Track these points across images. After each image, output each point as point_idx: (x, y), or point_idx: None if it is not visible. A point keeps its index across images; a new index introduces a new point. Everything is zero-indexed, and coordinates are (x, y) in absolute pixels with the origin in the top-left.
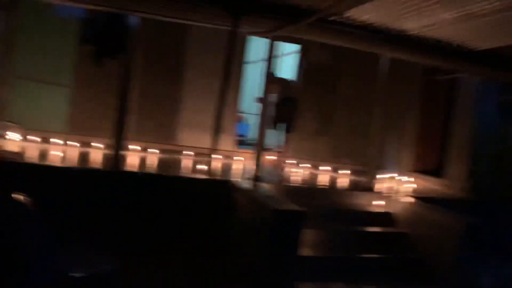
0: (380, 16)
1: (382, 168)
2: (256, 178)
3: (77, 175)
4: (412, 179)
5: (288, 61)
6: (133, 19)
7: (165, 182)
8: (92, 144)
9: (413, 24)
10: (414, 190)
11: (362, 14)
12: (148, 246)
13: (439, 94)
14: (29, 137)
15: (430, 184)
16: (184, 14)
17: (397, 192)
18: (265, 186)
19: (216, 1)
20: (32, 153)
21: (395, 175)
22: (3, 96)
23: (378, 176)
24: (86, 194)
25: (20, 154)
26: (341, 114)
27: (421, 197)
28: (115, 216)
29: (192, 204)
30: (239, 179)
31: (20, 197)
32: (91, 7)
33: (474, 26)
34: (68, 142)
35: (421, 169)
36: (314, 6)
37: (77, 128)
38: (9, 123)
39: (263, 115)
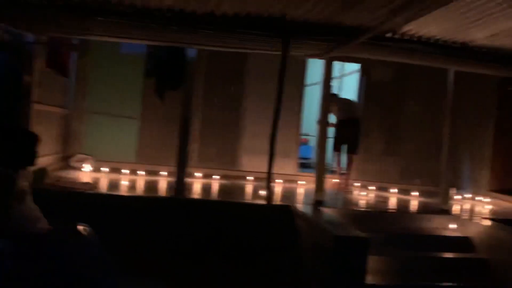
0: (439, 29)
1: (456, 189)
2: (318, 203)
3: (140, 204)
4: (489, 200)
5: (350, 81)
6: (192, 51)
7: (225, 209)
8: (159, 172)
9: (476, 35)
10: (493, 212)
11: (420, 29)
12: (209, 273)
13: None
14: (101, 168)
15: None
16: (237, 43)
17: (474, 214)
18: (327, 211)
19: (265, 27)
20: (102, 183)
21: (470, 195)
22: (77, 130)
23: (451, 197)
24: (148, 222)
25: (90, 185)
26: (409, 133)
27: (501, 220)
28: (175, 243)
29: (253, 230)
30: (300, 204)
31: (82, 227)
32: (153, 43)
33: None
34: (136, 171)
35: (499, 188)
36: (365, 24)
37: (144, 157)
38: (83, 155)
39: (322, 137)
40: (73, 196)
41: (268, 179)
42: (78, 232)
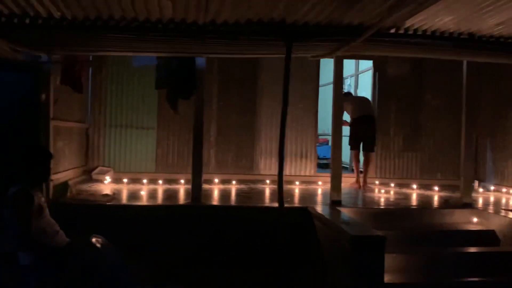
0: (443, 21)
1: (479, 181)
2: (335, 203)
3: (157, 212)
4: None
5: (365, 78)
6: (201, 59)
7: (243, 213)
8: (177, 180)
9: (482, 25)
10: None
11: (424, 23)
12: (230, 278)
13: None
14: (122, 179)
15: None
16: (241, 50)
17: (498, 206)
18: (345, 211)
19: (267, 32)
20: (122, 194)
21: (494, 187)
22: (97, 143)
23: (475, 191)
24: (165, 230)
25: (109, 196)
26: (428, 127)
27: None
28: (195, 250)
29: (272, 234)
30: (318, 205)
31: (95, 239)
32: (161, 54)
33: None
34: (154, 181)
35: None
36: (366, 22)
37: (163, 166)
38: (103, 168)
39: (336, 136)
40: (93, 208)
41: (279, 182)
42: (92, 244)
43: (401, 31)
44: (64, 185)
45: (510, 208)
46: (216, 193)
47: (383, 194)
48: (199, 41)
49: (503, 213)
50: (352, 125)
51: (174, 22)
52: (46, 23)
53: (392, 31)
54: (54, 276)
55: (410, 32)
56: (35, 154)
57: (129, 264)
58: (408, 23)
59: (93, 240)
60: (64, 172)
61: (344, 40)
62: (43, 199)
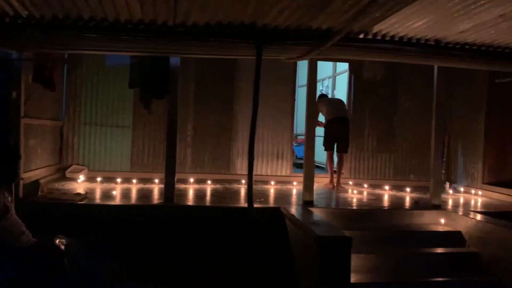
0: (410, 28)
1: (450, 183)
2: (307, 203)
3: (129, 212)
4: (482, 193)
5: (342, 80)
6: (175, 59)
7: (216, 213)
8: (152, 180)
9: (448, 32)
10: (485, 205)
11: (391, 29)
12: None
13: (506, 98)
14: (96, 177)
15: (506, 198)
16: (213, 51)
17: (465, 208)
18: (316, 212)
19: (238, 34)
20: (96, 193)
21: (463, 189)
22: (71, 141)
23: (445, 192)
24: (137, 230)
25: (81, 195)
26: (401, 129)
27: (493, 213)
28: (167, 250)
29: (242, 234)
30: (290, 205)
31: (62, 240)
32: (135, 53)
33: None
34: (129, 180)
35: (493, 181)
36: (335, 27)
37: (138, 166)
38: (77, 166)
39: (309, 137)
40: (64, 208)
41: (249, 182)
42: (56, 246)
43: (370, 37)
44: (35, 184)
45: (476, 210)
46: (190, 193)
47: (355, 194)
48: (171, 42)
49: (470, 215)
50: (326, 126)
51: (144, 23)
52: (14, 21)
53: (361, 36)
54: (18, 277)
55: (379, 37)
56: (2, 154)
57: (97, 265)
58: (376, 29)
59: (57, 241)
60: (35, 170)
61: (314, 44)
62: (9, 198)
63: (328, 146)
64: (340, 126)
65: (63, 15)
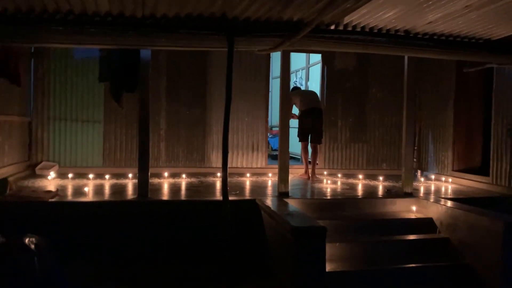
0: (380, 19)
1: (422, 171)
2: (283, 194)
3: (102, 209)
4: (452, 180)
5: (315, 71)
6: (146, 52)
7: (190, 207)
8: (125, 175)
9: (417, 23)
10: (455, 192)
11: (362, 20)
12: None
13: (473, 87)
14: (67, 174)
15: (474, 184)
16: (184, 43)
17: (436, 195)
18: (291, 202)
19: (209, 26)
20: (67, 190)
21: (434, 176)
22: (41, 137)
23: (416, 180)
24: (110, 227)
25: (52, 193)
26: (373, 119)
27: (461, 199)
28: (140, 247)
29: (217, 227)
30: (266, 197)
31: (31, 239)
32: (104, 47)
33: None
34: (101, 175)
35: (463, 168)
36: (305, 19)
37: (111, 161)
38: (48, 163)
39: (283, 128)
40: (34, 206)
41: (223, 175)
42: (25, 245)
43: (341, 28)
44: (3, 182)
45: (445, 196)
46: (165, 188)
47: (330, 184)
48: (140, 34)
49: (441, 201)
50: (300, 117)
51: (112, 15)
52: None
53: (332, 27)
54: None
55: (349, 28)
56: None
57: (68, 264)
58: (346, 20)
59: (26, 240)
60: (3, 168)
61: (285, 36)
62: None
63: (302, 137)
64: (314, 117)
65: (26, 7)
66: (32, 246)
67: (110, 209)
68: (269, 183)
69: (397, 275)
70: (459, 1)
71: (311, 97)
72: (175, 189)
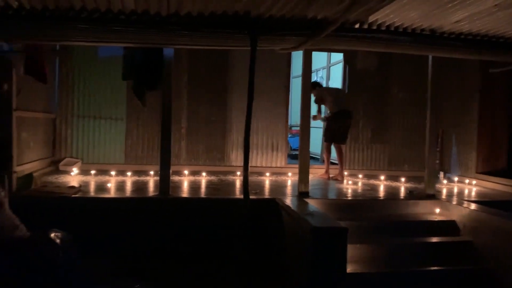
0: (406, 18)
1: (444, 173)
2: (303, 194)
3: (124, 205)
4: (476, 182)
5: (337, 71)
6: (169, 50)
7: (211, 205)
8: (147, 172)
9: (444, 21)
10: (479, 194)
11: (387, 19)
12: (196, 271)
13: (498, 88)
14: (89, 170)
15: (499, 187)
16: (207, 41)
17: (459, 197)
18: (311, 202)
19: (232, 25)
20: (90, 186)
21: (457, 179)
22: (64, 134)
23: (439, 181)
24: (132, 223)
25: (75, 188)
26: (395, 119)
27: (486, 202)
28: (159, 242)
29: (237, 225)
30: (286, 197)
31: (57, 234)
32: (128, 45)
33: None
34: (123, 172)
35: (487, 171)
36: (329, 17)
37: (132, 158)
38: (71, 159)
39: (304, 128)
40: (58, 201)
41: (244, 174)
42: (51, 239)
43: (365, 26)
44: (28, 177)
45: (469, 199)
46: (185, 185)
47: (350, 185)
48: (164, 32)
49: (464, 204)
50: (331, 119)
51: (137, 13)
52: (3, 13)
53: (356, 26)
54: (12, 271)
55: (374, 27)
56: None
57: (91, 259)
58: (371, 19)
59: (52, 235)
60: (28, 163)
61: (308, 35)
62: (2, 193)
63: (329, 138)
64: (346, 119)
65: (54, 5)
66: (58, 241)
67: (132, 205)
68: (289, 182)
69: (419, 278)
70: (487, 0)
71: (344, 98)
72: (195, 186)
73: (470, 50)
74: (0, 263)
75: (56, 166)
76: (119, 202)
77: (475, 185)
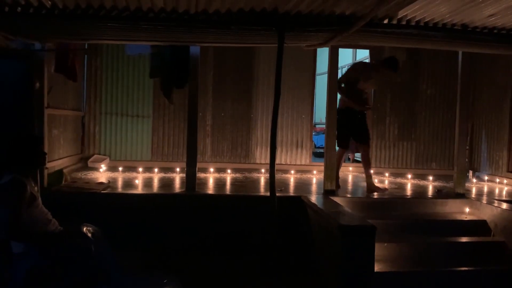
0: (437, 13)
1: (474, 171)
2: (329, 192)
3: (151, 201)
4: (507, 181)
5: None
6: (195, 48)
7: (237, 202)
8: (173, 169)
9: (474, 16)
10: (510, 193)
11: (417, 14)
12: (222, 267)
13: None
14: (117, 167)
15: None
16: (234, 39)
17: (490, 196)
18: (337, 200)
19: (260, 21)
20: (118, 182)
21: (487, 178)
22: (92, 131)
23: (468, 180)
24: (160, 219)
25: (104, 184)
26: (423, 116)
27: None
28: (186, 239)
29: (264, 222)
30: (311, 194)
31: (85, 228)
32: (156, 43)
33: None
34: (150, 169)
35: None
36: (358, 12)
37: (159, 155)
38: (99, 156)
39: (330, 125)
40: (88, 197)
41: (271, 171)
42: (83, 233)
43: (394, 22)
44: (59, 173)
45: (501, 198)
46: (211, 182)
47: (377, 183)
48: (191, 30)
49: (495, 203)
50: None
51: (166, 11)
52: (37, 12)
53: (385, 21)
54: (46, 264)
55: (403, 22)
56: (23, 142)
57: (120, 253)
58: (400, 14)
59: (84, 229)
60: (59, 160)
61: (336, 30)
62: (36, 188)
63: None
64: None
65: (85, 4)
66: (89, 234)
67: (159, 201)
68: (314, 180)
69: (448, 278)
70: None
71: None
72: (221, 183)
73: (503, 45)
74: (34, 257)
75: (85, 162)
76: (146, 198)
77: (506, 184)
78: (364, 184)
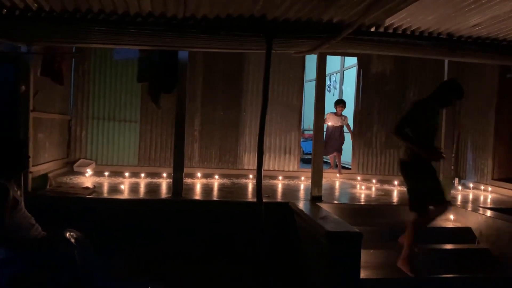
0: (423, 21)
1: (459, 179)
2: (316, 198)
3: (137, 206)
4: (492, 189)
5: (351, 74)
6: (184, 53)
7: (224, 208)
8: (160, 174)
9: (461, 25)
10: (495, 201)
11: (403, 22)
12: (209, 273)
13: None
14: (103, 171)
15: None
16: (222, 44)
17: (475, 204)
18: (324, 207)
19: (248, 28)
20: (103, 187)
21: (472, 185)
22: (79, 135)
23: (454, 188)
24: (145, 224)
25: (90, 189)
26: None
27: (503, 209)
28: (172, 245)
29: (250, 228)
30: (298, 200)
31: (72, 234)
32: (144, 47)
33: None
34: (136, 174)
35: (504, 177)
36: (346, 20)
37: (146, 160)
38: (85, 160)
39: (318, 131)
40: (72, 201)
41: (258, 177)
42: (66, 238)
43: (381, 30)
44: (44, 177)
45: (486, 206)
46: (198, 188)
47: (364, 190)
48: (180, 35)
49: (480, 211)
50: None
51: (154, 16)
52: (23, 14)
53: (372, 29)
54: (28, 270)
55: (390, 31)
56: (6, 145)
57: (105, 259)
58: (388, 22)
59: (67, 234)
60: (44, 164)
61: (324, 38)
62: (19, 192)
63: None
64: None
65: (72, 7)
66: (73, 240)
67: (145, 207)
68: (301, 186)
69: (433, 285)
70: (506, 4)
71: None
72: (208, 189)
73: (488, 54)
74: (17, 263)
75: (70, 167)
76: (132, 204)
77: (491, 192)
78: (352, 190)
